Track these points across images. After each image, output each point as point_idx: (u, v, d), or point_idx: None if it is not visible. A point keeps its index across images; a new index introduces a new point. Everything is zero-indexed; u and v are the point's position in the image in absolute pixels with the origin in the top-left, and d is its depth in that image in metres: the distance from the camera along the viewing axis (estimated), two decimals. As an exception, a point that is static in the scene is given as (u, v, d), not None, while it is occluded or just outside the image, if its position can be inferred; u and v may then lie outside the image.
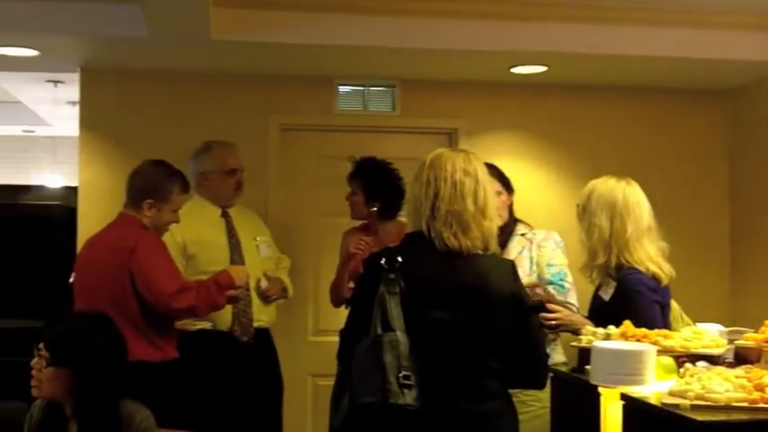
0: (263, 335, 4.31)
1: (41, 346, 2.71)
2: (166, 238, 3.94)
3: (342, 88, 5.49)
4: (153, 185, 3.81)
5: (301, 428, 5.16)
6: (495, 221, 2.64)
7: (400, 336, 2.41)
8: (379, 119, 5.52)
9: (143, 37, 4.43)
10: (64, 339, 2.71)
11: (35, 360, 2.71)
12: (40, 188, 7.91)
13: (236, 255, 4.24)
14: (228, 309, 4.02)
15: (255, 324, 4.23)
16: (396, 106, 5.52)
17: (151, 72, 5.23)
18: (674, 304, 3.46)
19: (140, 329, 3.66)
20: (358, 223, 4.45)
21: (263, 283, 4.26)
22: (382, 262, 2.50)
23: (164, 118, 5.28)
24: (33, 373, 2.72)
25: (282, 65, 5.13)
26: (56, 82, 7.26)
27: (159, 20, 4.21)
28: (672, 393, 2.53)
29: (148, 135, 5.22)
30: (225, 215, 4.34)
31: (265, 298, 4.28)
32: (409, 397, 2.37)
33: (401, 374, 2.37)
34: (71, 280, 5.18)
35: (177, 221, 3.90)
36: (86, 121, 5.29)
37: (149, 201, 3.79)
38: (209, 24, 4.27)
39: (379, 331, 2.41)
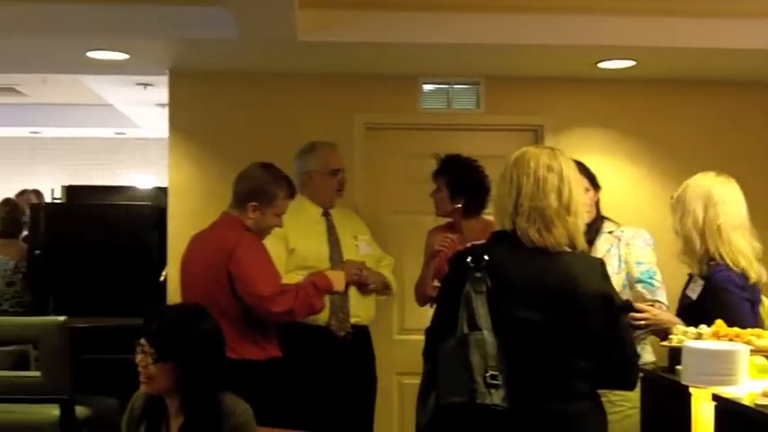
0: (361, 332, 4.31)
1: (143, 342, 2.75)
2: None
3: (426, 86, 5.49)
4: (259, 188, 3.83)
5: (388, 427, 5.17)
6: (581, 218, 2.61)
7: (487, 335, 2.40)
8: (464, 117, 5.50)
9: (230, 39, 4.50)
10: (165, 333, 2.74)
11: (140, 357, 2.74)
12: (131, 189, 8.10)
13: (336, 252, 4.26)
14: (325, 303, 4.04)
15: (353, 320, 4.23)
16: (480, 104, 5.50)
17: (238, 73, 5.31)
18: (765, 301, 3.38)
19: (241, 329, 3.69)
20: (443, 221, 4.44)
21: (363, 272, 4.26)
22: (468, 260, 2.49)
23: (250, 119, 5.35)
24: (141, 369, 2.74)
25: (367, 64, 5.15)
26: (145, 85, 7.43)
27: (246, 22, 4.27)
28: (766, 394, 2.47)
29: (235, 136, 5.30)
30: (326, 214, 4.37)
31: (363, 286, 4.28)
32: (496, 397, 2.35)
33: (488, 374, 2.35)
34: (162, 278, 5.31)
35: (280, 226, 3.92)
36: (175, 123, 5.40)
37: (254, 203, 3.82)
38: (296, 25, 4.32)
39: (466, 330, 2.40)
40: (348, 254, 4.29)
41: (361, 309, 4.28)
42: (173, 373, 2.73)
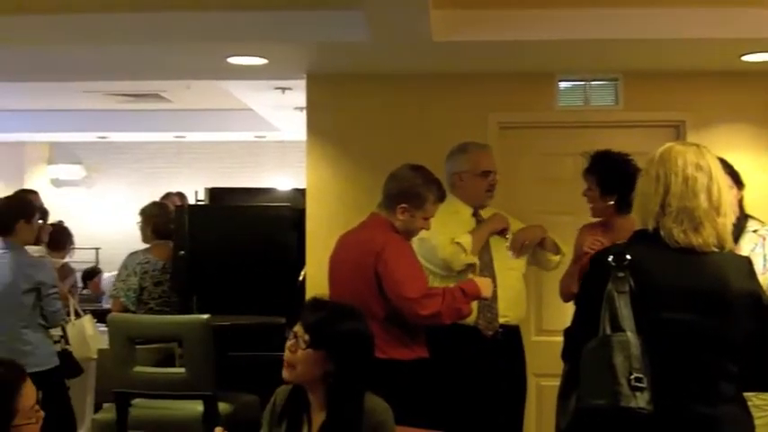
0: (511, 332, 4.27)
1: (298, 329, 2.77)
2: None
3: (562, 84, 5.40)
4: (410, 191, 3.83)
5: (525, 429, 5.10)
6: (729, 218, 2.51)
7: (631, 336, 2.33)
8: (602, 114, 5.38)
9: (365, 42, 4.54)
10: (322, 322, 2.75)
11: (291, 342, 2.74)
12: (270, 190, 8.28)
13: (485, 253, 4.23)
14: (473, 303, 4.00)
15: (501, 320, 4.19)
16: (619, 100, 5.37)
17: (373, 76, 5.35)
18: None
19: (389, 329, 3.69)
20: (594, 220, 4.30)
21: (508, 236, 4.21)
22: (610, 259, 2.43)
23: (384, 120, 5.38)
24: (287, 356, 2.74)
25: (502, 63, 5.11)
26: (283, 89, 7.58)
27: (381, 24, 4.29)
28: None
29: (370, 138, 5.34)
30: (476, 215, 4.35)
31: (519, 249, 4.23)
32: (641, 400, 2.28)
33: (632, 376, 2.29)
34: (300, 278, 5.40)
35: (428, 229, 3.91)
36: (313, 126, 5.49)
37: (404, 205, 3.82)
38: (430, 26, 4.32)
39: (608, 331, 2.34)
40: (497, 255, 4.26)
41: (509, 308, 4.22)
42: (320, 364, 2.73)
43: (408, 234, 3.89)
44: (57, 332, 5.00)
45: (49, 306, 4.73)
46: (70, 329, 5.19)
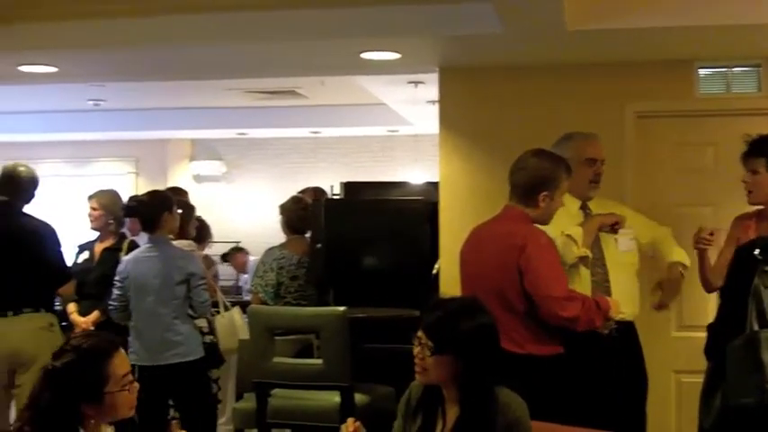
0: (627, 328, 4.18)
1: (421, 334, 2.79)
2: None
3: (702, 71, 5.22)
4: (544, 176, 3.79)
5: (665, 427, 4.98)
6: None
7: (780, 333, 2.25)
8: (744, 101, 5.17)
9: (498, 33, 4.50)
10: (443, 327, 2.77)
11: (417, 349, 2.78)
12: (404, 184, 8.32)
13: (596, 248, 4.15)
14: None
15: (617, 317, 4.11)
16: (762, 87, 5.15)
17: (505, 67, 5.31)
18: None
19: (527, 324, 3.67)
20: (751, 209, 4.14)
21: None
22: (756, 252, 2.34)
23: (518, 112, 5.33)
24: (417, 361, 2.79)
25: (638, 51, 4.98)
26: (416, 83, 7.60)
27: (513, 15, 4.26)
28: None
29: (504, 130, 5.30)
30: (584, 207, 4.27)
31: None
32: (791, 398, 2.20)
33: (782, 374, 2.21)
34: (434, 271, 5.41)
35: (561, 206, 3.89)
36: (445, 119, 5.49)
37: (545, 192, 3.79)
38: (564, 15, 4.25)
39: (756, 327, 2.27)
40: (607, 249, 4.16)
41: (624, 305, 4.12)
42: (449, 366, 2.76)
43: (548, 219, 3.84)
44: (201, 323, 5.15)
45: (197, 297, 4.87)
46: (219, 321, 5.35)
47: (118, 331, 4.92)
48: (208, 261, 6.89)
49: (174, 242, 5.27)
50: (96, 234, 5.65)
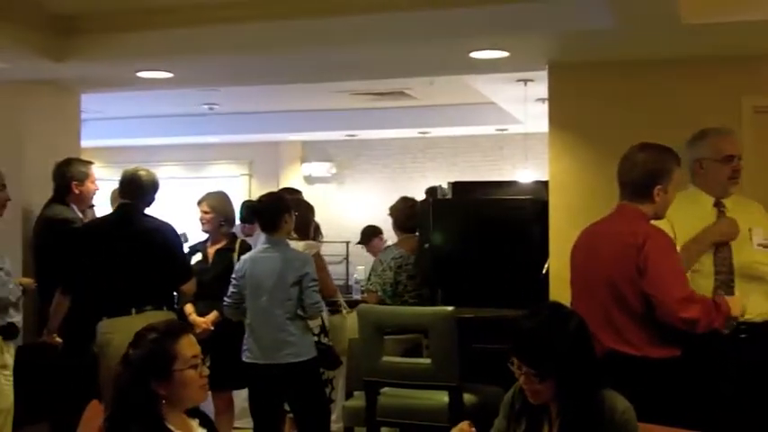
0: (754, 329, 4.03)
1: (517, 362, 2.76)
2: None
3: (823, 63, 5.03)
4: (658, 170, 3.70)
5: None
6: None
7: None
8: None
9: (609, 28, 4.43)
10: (539, 353, 2.73)
11: (522, 378, 2.77)
12: (513, 183, 8.26)
13: (725, 248, 4.01)
14: None
15: (741, 317, 3.97)
16: None
17: (616, 63, 5.22)
18: None
19: (644, 325, 3.58)
20: None
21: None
22: None
23: (629, 109, 5.23)
24: (526, 387, 2.78)
25: (756, 43, 4.81)
26: (525, 81, 7.54)
27: (626, 9, 4.18)
28: None
29: (615, 127, 5.20)
30: (718, 204, 4.13)
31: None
32: None
33: None
34: (544, 271, 5.36)
35: (673, 196, 3.81)
36: (555, 118, 5.43)
37: (659, 186, 3.69)
38: (678, 8, 4.15)
39: None
40: (739, 247, 4.01)
41: (751, 307, 3.98)
42: (551, 386, 2.75)
43: (664, 213, 3.75)
44: (315, 323, 5.21)
45: (308, 298, 4.90)
46: (337, 321, 5.42)
47: (235, 331, 5.07)
48: (322, 261, 6.98)
49: (300, 243, 5.35)
50: (205, 236, 5.77)
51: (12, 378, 4.58)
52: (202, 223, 5.72)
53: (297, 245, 5.40)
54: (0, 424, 4.44)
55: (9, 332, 4.51)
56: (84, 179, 5.48)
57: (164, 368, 2.78)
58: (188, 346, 2.84)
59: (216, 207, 5.71)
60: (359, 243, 9.06)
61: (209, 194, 5.83)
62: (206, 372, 2.88)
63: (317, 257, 5.69)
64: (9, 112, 5.98)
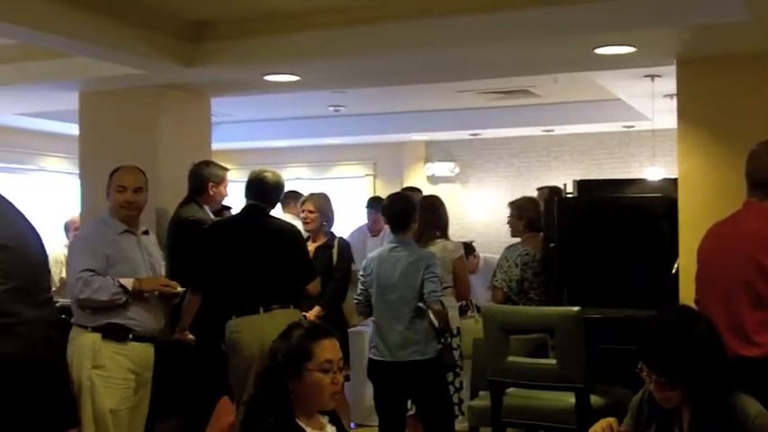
0: None
1: (646, 369, 2.72)
2: None
3: None
4: None
5: None
6: None
7: None
8: None
9: (742, 21, 4.29)
10: (669, 361, 2.69)
11: (653, 386, 2.73)
12: (641, 181, 8.09)
13: None
14: None
15: None
16: None
17: (749, 56, 5.04)
18: None
19: None
20: None
21: None
22: None
23: (763, 104, 5.05)
24: (657, 395, 2.74)
25: None
26: (653, 76, 7.37)
27: (761, 1, 4.04)
28: None
29: (748, 122, 5.02)
30: None
31: None
32: None
33: None
34: (673, 270, 5.22)
35: None
36: (684, 113, 5.29)
37: None
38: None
39: None
40: None
41: None
42: (681, 392, 2.71)
43: None
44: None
45: (426, 287, 4.89)
46: (469, 324, 5.42)
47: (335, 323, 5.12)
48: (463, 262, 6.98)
49: (449, 243, 5.43)
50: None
51: (116, 379, 4.49)
52: (305, 223, 5.90)
53: (446, 245, 5.46)
54: (107, 424, 4.43)
55: (108, 332, 4.50)
56: (219, 182, 5.65)
57: (297, 365, 2.83)
58: (326, 350, 2.87)
59: (320, 207, 5.88)
60: None
61: (312, 195, 6.01)
62: (339, 379, 2.89)
63: (460, 259, 5.75)
64: (144, 116, 6.23)
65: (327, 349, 2.87)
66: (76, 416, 3.15)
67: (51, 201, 10.03)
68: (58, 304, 5.23)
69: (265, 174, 5.16)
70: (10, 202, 3.21)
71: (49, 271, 3.41)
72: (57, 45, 5.13)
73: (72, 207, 6.65)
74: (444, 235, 5.82)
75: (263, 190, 5.12)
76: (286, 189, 5.72)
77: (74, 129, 6.70)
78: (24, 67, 5.88)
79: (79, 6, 4.73)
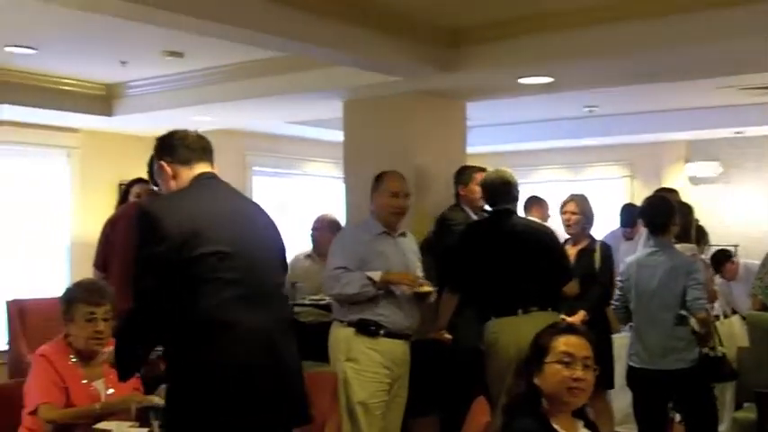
0: None
1: None
2: None
3: None
4: None
5: None
6: None
7: None
8: None
9: None
10: None
11: None
12: None
13: None
14: None
15: None
16: None
17: None
18: None
19: None
20: None
21: None
22: None
23: None
24: None
25: None
26: None
27: None
28: None
29: None
30: None
31: None
32: None
33: None
34: None
35: None
36: None
37: None
38: None
39: None
40: None
41: None
42: None
43: None
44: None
45: (688, 295, 4.75)
46: (719, 328, 5.22)
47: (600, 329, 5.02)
48: (705, 266, 6.73)
49: (677, 246, 5.23)
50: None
51: (368, 373, 4.67)
52: (568, 225, 5.79)
53: (683, 247, 5.27)
54: (358, 416, 4.61)
55: (361, 326, 4.67)
56: (468, 182, 5.73)
57: (538, 359, 2.90)
58: (564, 344, 2.89)
59: (582, 208, 5.76)
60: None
61: (573, 196, 5.89)
62: (581, 375, 2.85)
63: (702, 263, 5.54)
64: (401, 122, 6.45)
65: (568, 344, 2.90)
66: (308, 413, 3.23)
67: (317, 203, 10.53)
68: (323, 302, 5.59)
69: (504, 174, 5.12)
70: (236, 205, 3.21)
71: (284, 270, 3.39)
72: (323, 57, 5.43)
73: (336, 209, 6.97)
74: (687, 239, 5.55)
75: (509, 192, 5.08)
76: (530, 194, 5.73)
77: (336, 135, 7.04)
78: (294, 78, 6.26)
79: (344, 20, 4.98)
